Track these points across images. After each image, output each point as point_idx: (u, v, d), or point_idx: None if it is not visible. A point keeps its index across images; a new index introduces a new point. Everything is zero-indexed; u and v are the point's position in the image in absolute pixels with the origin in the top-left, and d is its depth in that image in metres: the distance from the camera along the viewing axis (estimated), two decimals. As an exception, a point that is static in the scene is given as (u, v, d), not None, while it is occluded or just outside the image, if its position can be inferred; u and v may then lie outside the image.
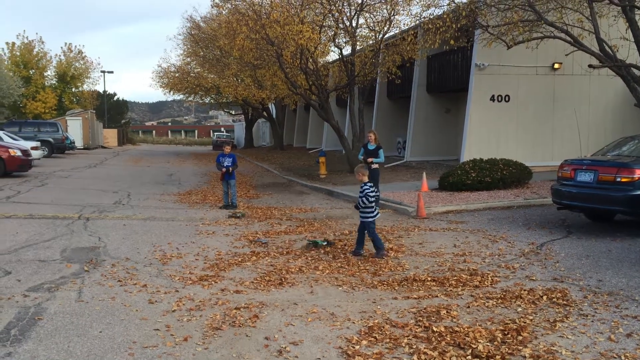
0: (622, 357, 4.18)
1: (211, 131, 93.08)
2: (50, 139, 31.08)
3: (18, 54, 49.70)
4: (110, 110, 74.90)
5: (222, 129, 79.92)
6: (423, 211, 10.94)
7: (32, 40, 50.73)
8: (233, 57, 22.47)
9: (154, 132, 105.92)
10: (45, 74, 51.44)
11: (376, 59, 19.03)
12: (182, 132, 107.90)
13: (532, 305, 5.40)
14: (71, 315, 5.04)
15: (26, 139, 28.14)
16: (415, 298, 5.72)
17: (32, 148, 23.23)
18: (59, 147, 31.75)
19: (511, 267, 6.92)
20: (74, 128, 43.36)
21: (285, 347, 4.39)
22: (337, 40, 18.45)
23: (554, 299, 5.55)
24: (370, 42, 19.48)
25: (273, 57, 17.95)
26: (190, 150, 53.35)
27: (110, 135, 56.56)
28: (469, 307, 5.42)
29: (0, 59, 45.57)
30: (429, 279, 6.39)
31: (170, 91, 36.70)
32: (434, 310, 5.30)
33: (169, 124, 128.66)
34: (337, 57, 19.41)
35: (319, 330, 4.80)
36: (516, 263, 7.13)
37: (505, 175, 13.55)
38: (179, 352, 4.27)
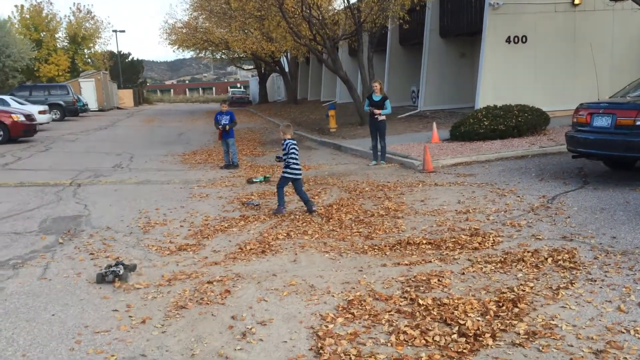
0: (632, 332, 3.64)
1: (229, 88, 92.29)
2: (61, 102, 30.87)
3: (28, 16, 49.13)
4: (126, 70, 74.52)
5: (239, 85, 79.05)
6: (430, 165, 10.33)
7: (41, 2, 50.01)
8: (234, 9, 21.53)
9: (172, 91, 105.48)
10: (56, 35, 50.90)
11: (385, 2, 17.96)
12: (200, 89, 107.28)
13: (535, 270, 4.86)
14: (27, 295, 4.67)
15: (36, 102, 27.98)
16: (406, 265, 5.22)
17: (40, 112, 23.08)
18: (70, 110, 31.52)
19: (517, 224, 6.35)
20: (87, 90, 43.13)
21: (251, 329, 3.95)
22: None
23: (559, 262, 5.00)
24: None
25: (275, 7, 17.06)
26: (206, 108, 52.77)
27: (125, 96, 56.28)
28: (463, 273, 4.90)
29: (9, 22, 45.16)
30: (425, 241, 5.87)
31: (178, 48, 35.91)
32: (424, 278, 4.80)
33: (187, 82, 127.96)
34: (342, 2, 18.36)
35: (293, 306, 4.35)
36: (523, 220, 6.54)
37: (520, 122, 12.76)
38: (131, 337, 3.86)
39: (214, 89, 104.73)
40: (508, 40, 16.67)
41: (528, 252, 5.33)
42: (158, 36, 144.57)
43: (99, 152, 15.63)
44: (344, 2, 17.96)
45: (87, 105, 36.77)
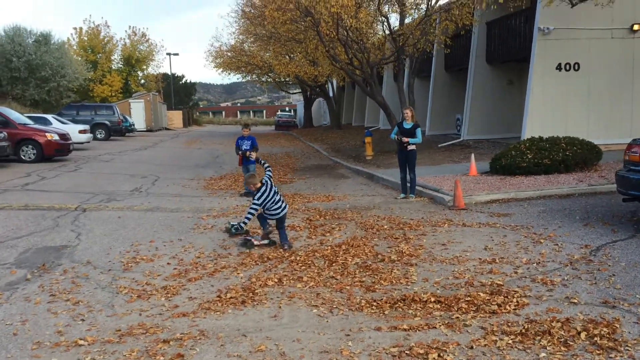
0: None
1: (279, 111, 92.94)
2: (107, 122, 31.25)
3: (85, 38, 50.84)
4: (179, 92, 76.20)
5: (287, 109, 79.39)
6: (461, 201, 9.34)
7: (98, 25, 51.76)
8: (270, 32, 21.17)
9: (223, 112, 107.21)
10: (112, 57, 52.40)
11: (427, 26, 17.14)
12: (251, 112, 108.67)
13: (563, 349, 3.87)
14: (-48, 348, 4.03)
15: (83, 122, 28.41)
16: (405, 330, 4.32)
17: (80, 131, 23.28)
18: (115, 130, 31.88)
19: (549, 281, 5.33)
20: (137, 110, 43.89)
21: (185, 414, 3.15)
22: (381, 7, 16.70)
23: (596, 338, 3.99)
24: (422, 7, 17.62)
25: (310, 29, 16.52)
26: (252, 130, 52.94)
27: (175, 117, 57.15)
28: (472, 347, 3.96)
29: (68, 43, 46.80)
30: (434, 298, 4.94)
31: (223, 71, 36.01)
32: (421, 352, 3.89)
33: (238, 104, 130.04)
34: (382, 26, 17.65)
35: (250, 382, 3.53)
36: (557, 276, 5.51)
37: (567, 156, 11.58)
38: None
39: (264, 111, 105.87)
40: (559, 68, 15.50)
41: (558, 321, 4.33)
42: (204, 59, 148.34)
43: (125, 174, 15.32)
44: (382, 25, 17.22)
45: (133, 125, 37.21)
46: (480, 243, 6.95)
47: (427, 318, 4.56)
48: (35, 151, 17.23)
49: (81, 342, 4.13)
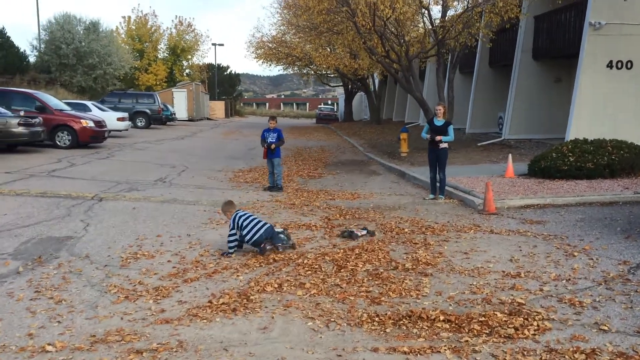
0: None
1: (322, 104, 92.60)
2: (147, 110, 31.55)
3: (134, 27, 51.60)
4: (224, 83, 76.79)
5: (330, 102, 78.93)
6: (491, 205, 8.72)
7: (146, 14, 52.66)
8: (304, 21, 20.70)
9: (267, 104, 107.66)
10: (158, 46, 53.04)
11: (470, 19, 16.34)
12: (294, 104, 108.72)
13: (583, 388, 3.32)
14: None
15: (124, 109, 28.73)
16: (405, 352, 3.84)
17: (118, 119, 23.43)
18: (155, 119, 32.14)
19: (578, 302, 4.74)
20: (179, 100, 44.29)
21: None
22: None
23: (624, 378, 3.42)
24: None
25: (346, 20, 15.99)
26: (293, 122, 52.74)
27: (217, 107, 57.55)
28: (477, 379, 3.46)
29: (116, 32, 47.59)
30: (443, 317, 4.43)
31: (264, 62, 35.80)
32: (417, 381, 3.41)
33: (283, 96, 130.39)
34: (422, 18, 16.95)
35: (217, 407, 3.14)
36: (588, 296, 4.91)
37: (613, 160, 10.76)
38: None
39: (307, 104, 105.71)
40: (610, 65, 14.54)
41: (582, 352, 3.77)
42: (244, 49, 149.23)
43: (156, 163, 15.22)
44: (423, 17, 16.51)
45: (174, 114, 37.49)
46: (506, 253, 6.36)
47: (432, 339, 4.07)
48: (70, 137, 17.36)
49: (49, 347, 3.83)
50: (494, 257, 6.19)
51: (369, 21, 14.63)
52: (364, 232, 7.30)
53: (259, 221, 6.44)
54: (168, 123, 36.10)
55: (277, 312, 4.60)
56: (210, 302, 4.77)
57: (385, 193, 11.11)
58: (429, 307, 4.69)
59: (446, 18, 16.92)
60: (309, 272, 5.69)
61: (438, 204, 9.71)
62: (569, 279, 5.39)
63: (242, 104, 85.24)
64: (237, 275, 5.55)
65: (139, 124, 31.02)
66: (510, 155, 12.29)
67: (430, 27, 16.83)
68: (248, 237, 6.31)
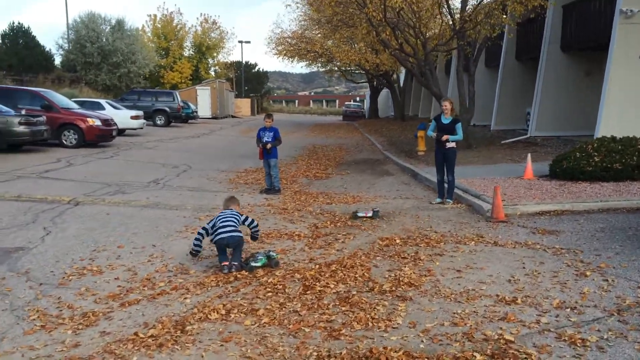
0: None
1: (352, 101, 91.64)
2: (166, 108, 31.23)
3: (159, 25, 51.61)
4: (252, 80, 76.61)
5: (357, 99, 78.00)
6: (500, 212, 7.78)
7: (172, 12, 52.65)
8: (316, 18, 19.87)
9: (296, 101, 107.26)
10: (183, 44, 52.94)
11: (492, 9, 15.27)
12: (324, 101, 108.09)
13: None
14: None
15: (143, 108, 28.48)
16: (346, 411, 3.04)
17: (132, 117, 23.07)
18: (175, 117, 31.79)
19: (580, 340, 3.84)
20: (203, 97, 44.01)
21: None
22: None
23: None
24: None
25: (358, 12, 15.12)
26: (319, 120, 52.03)
27: (243, 105, 57.22)
28: None
29: (142, 30, 47.64)
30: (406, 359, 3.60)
31: (284, 58, 35.14)
32: None
33: (312, 93, 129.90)
34: (440, 8, 15.93)
35: None
36: (595, 331, 4.01)
37: (644, 160, 9.68)
38: None
39: (337, 101, 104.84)
40: (643, 56, 13.32)
41: (573, 417, 2.90)
42: (265, 46, 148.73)
43: (159, 162, 14.67)
44: (440, 7, 15.48)
45: (195, 112, 37.15)
46: (506, 271, 5.47)
47: (386, 392, 3.25)
48: (76, 136, 16.99)
49: None
50: (490, 277, 5.31)
51: (379, 12, 13.74)
52: (370, 213, 7.99)
53: (231, 226, 5.72)
54: (190, 121, 35.80)
55: (211, 348, 3.84)
56: (136, 334, 4.04)
57: (390, 196, 10.25)
58: (394, 344, 3.86)
59: (465, 8, 15.90)
60: (270, 293, 4.92)
61: (444, 209, 8.81)
62: (575, 307, 4.48)
63: (270, 102, 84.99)
64: (185, 298, 4.81)
65: (158, 122, 30.75)
66: (529, 155, 11.28)
67: (448, 17, 15.80)
68: (212, 236, 5.74)
